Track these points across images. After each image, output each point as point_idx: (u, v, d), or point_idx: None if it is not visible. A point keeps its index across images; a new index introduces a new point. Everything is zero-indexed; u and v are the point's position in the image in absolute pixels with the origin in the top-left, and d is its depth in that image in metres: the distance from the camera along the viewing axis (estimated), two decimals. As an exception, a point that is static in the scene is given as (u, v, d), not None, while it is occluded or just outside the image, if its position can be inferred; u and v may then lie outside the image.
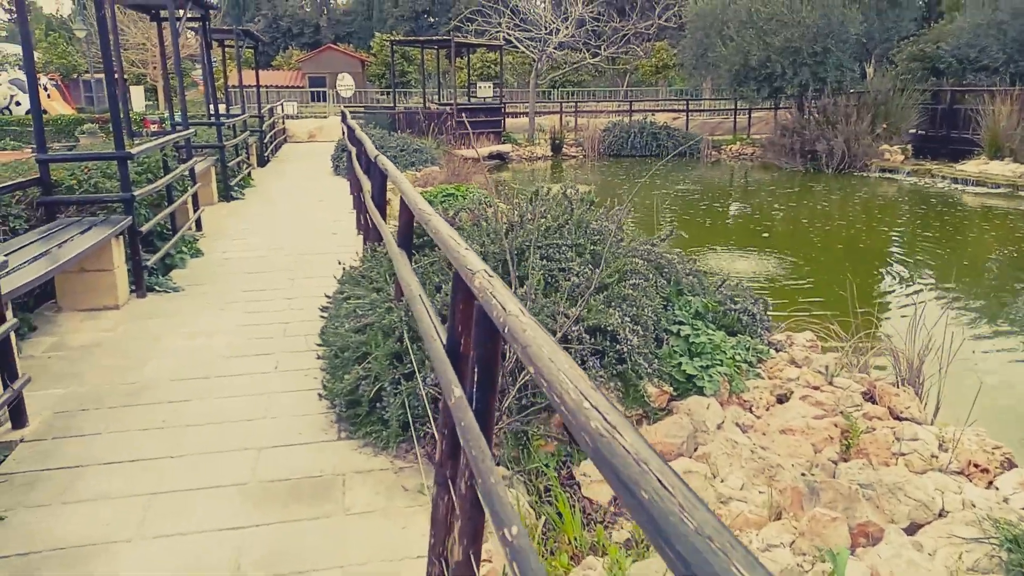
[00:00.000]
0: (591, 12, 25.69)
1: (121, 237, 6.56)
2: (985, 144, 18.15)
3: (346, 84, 39.20)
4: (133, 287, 6.81)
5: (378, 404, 4.19)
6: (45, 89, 29.38)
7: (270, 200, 12.66)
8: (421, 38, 30.74)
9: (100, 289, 6.41)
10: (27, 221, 6.43)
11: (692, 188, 18.18)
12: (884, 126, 20.09)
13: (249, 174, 14.81)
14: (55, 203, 6.57)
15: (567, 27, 25.15)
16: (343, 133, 19.60)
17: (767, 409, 4.63)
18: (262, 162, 17.75)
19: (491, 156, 21.86)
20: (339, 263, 6.80)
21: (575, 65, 28.62)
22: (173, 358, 5.35)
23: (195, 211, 9.63)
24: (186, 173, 9.14)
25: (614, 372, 4.24)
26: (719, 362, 4.75)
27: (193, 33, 16.34)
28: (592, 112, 27.65)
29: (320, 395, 4.49)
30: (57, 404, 4.60)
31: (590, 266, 4.94)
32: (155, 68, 32.51)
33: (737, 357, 5.02)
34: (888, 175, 19.02)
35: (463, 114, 22.43)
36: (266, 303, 6.73)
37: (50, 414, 4.49)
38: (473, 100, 24.93)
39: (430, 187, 12.72)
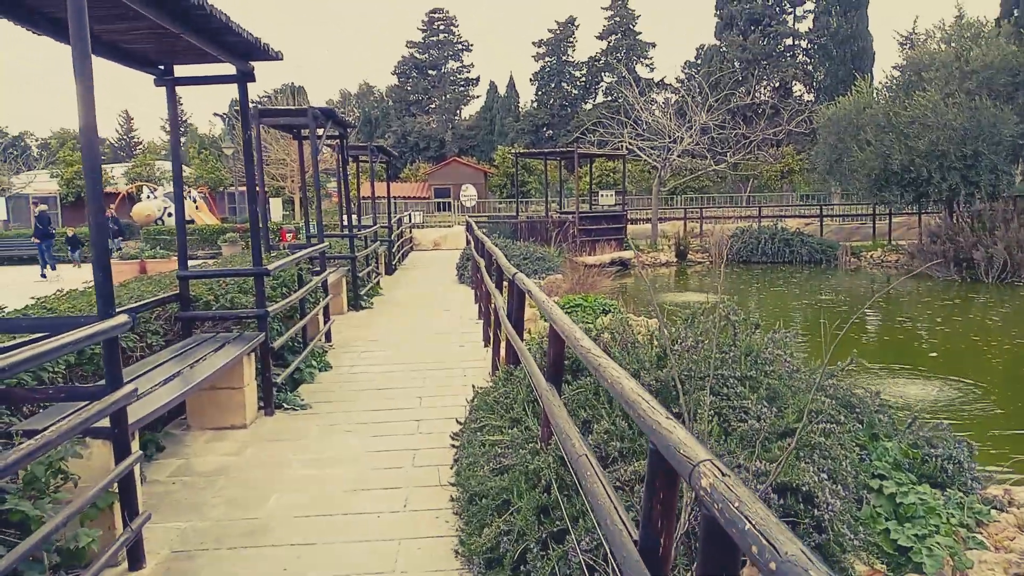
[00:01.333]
0: (715, 120, 25.46)
1: (253, 354, 6.40)
2: None
3: (469, 195, 40.48)
4: (261, 404, 6.60)
5: (522, 567, 3.59)
6: (194, 201, 31.79)
7: (398, 309, 12.61)
8: (545, 149, 31.43)
9: (230, 407, 6.22)
10: (164, 336, 6.41)
11: (836, 299, 16.99)
12: (1052, 232, 18.33)
13: (378, 283, 14.97)
14: (192, 319, 6.53)
15: (691, 135, 24.96)
16: (467, 242, 19.86)
17: (1003, 593, 3.69)
18: (390, 270, 18.05)
19: (613, 263, 21.47)
20: (471, 387, 6.36)
21: (702, 172, 28.28)
22: (297, 490, 4.96)
23: (326, 322, 9.57)
24: (319, 285, 9.13)
25: (812, 544, 3.47)
26: (935, 528, 3.87)
27: (330, 149, 17.15)
28: (718, 218, 26.98)
29: (456, 551, 3.93)
30: (176, 542, 4.26)
31: (766, 404, 4.25)
32: (293, 181, 34.68)
33: (952, 520, 4.11)
34: (1059, 285, 17.19)
35: (585, 221, 22.31)
36: (394, 425, 6.34)
37: (168, 553, 4.14)
38: (595, 208, 24.85)
39: (556, 297, 12.36)
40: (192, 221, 29.10)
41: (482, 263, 10.53)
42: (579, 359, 4.88)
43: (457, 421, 5.89)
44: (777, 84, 42.48)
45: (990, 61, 18.89)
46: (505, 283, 6.83)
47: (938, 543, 3.76)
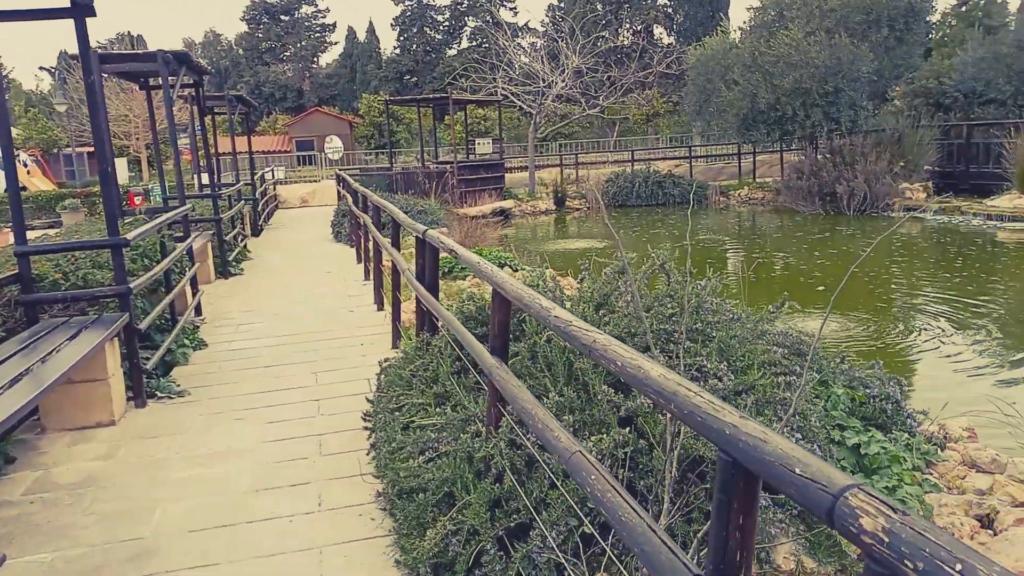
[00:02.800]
0: (587, 63, 25.20)
1: (116, 338, 5.46)
2: (1016, 178, 17.44)
3: (335, 146, 38.63)
4: (131, 394, 5.69)
5: (477, 571, 3.08)
6: (25, 166, 28.48)
7: (272, 274, 11.60)
8: (417, 96, 30.20)
9: (93, 402, 5.30)
10: (2, 325, 5.35)
11: (716, 238, 17.31)
12: (901, 164, 19.42)
13: (245, 246, 13.79)
14: (37, 302, 5.48)
15: (564, 79, 24.60)
16: (339, 197, 18.74)
17: (971, 538, 3.54)
18: (257, 232, 16.76)
19: (495, 213, 21.00)
20: (372, 358, 5.70)
21: (577, 116, 28.06)
22: (187, 497, 4.21)
23: (194, 295, 8.55)
24: (185, 253, 8.09)
25: (793, 512, 3.16)
26: (900, 478, 3.68)
27: (182, 100, 15.49)
28: (592, 163, 26.99)
29: (396, 559, 3.37)
30: (40, 583, 3.46)
31: (719, 360, 3.90)
32: (138, 139, 31.75)
33: (906, 465, 3.95)
34: (914, 214, 18.26)
35: (464, 171, 21.63)
36: (290, 408, 5.62)
37: (30, 599, 3.35)
38: (472, 157, 24.20)
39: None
40: (25, 188, 26.04)
41: (367, 219, 9.74)
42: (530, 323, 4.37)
43: (367, 399, 5.26)
44: (640, 27, 42.85)
45: (846, 0, 19.56)
46: (409, 241, 6.18)
47: (909, 494, 3.57)
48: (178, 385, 6.21)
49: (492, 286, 3.24)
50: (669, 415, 2.81)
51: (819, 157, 20.75)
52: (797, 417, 3.54)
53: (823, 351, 5.58)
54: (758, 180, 24.85)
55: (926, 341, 8.39)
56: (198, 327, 8.12)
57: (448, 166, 21.73)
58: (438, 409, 4.16)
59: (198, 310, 8.56)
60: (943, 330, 8.77)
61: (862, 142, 19.91)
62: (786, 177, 21.22)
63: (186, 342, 7.33)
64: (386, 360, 5.49)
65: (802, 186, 19.67)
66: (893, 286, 11.51)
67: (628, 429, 3.38)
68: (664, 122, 42.64)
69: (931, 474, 4.12)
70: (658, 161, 27.21)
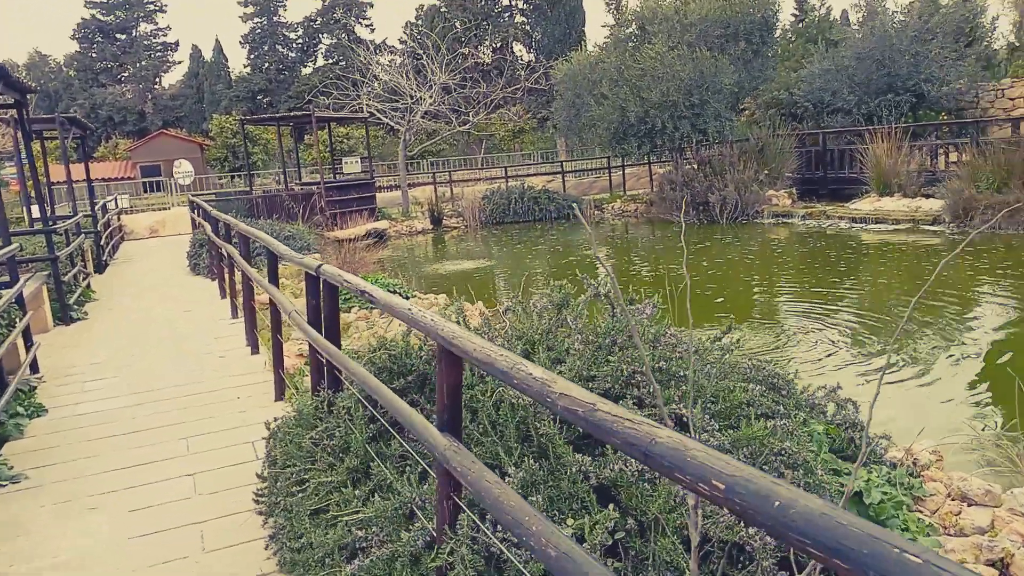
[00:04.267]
0: (454, 80, 24.65)
1: (-86, 424, 4.22)
2: (872, 182, 18.38)
3: (185, 171, 36.04)
4: (-59, 491, 4.45)
5: None
6: None
7: (123, 316, 10.15)
8: (275, 115, 28.53)
9: None
10: None
11: (601, 251, 17.11)
12: (766, 172, 20.09)
13: (88, 286, 12.15)
14: None
15: (431, 96, 23.92)
16: (195, 225, 17.11)
17: (992, 590, 3.11)
18: (101, 268, 14.96)
19: (369, 235, 19.94)
20: (254, 417, 4.73)
21: (446, 133, 27.41)
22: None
23: (28, 348, 7.17)
24: (13, 301, 6.71)
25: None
26: (905, 526, 3.20)
27: (4, 125, 13.57)
28: (466, 180, 26.44)
29: None
30: None
31: (700, 406, 3.31)
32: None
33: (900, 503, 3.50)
34: (783, 220, 18.87)
35: (333, 192, 20.45)
36: (158, 489, 4.57)
37: None
38: (339, 177, 23.00)
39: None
40: None
41: (232, 251, 8.61)
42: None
43: (256, 474, 4.31)
44: (499, 44, 42.91)
45: (705, 14, 20.07)
46: (294, 279, 5.25)
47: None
48: (10, 467, 5.01)
49: (438, 342, 2.48)
50: (693, 498, 2.17)
51: (689, 168, 21.15)
52: (800, 471, 3.00)
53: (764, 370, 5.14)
54: (629, 193, 25.13)
55: (815, 346, 8.28)
56: (35, 388, 6.79)
57: (315, 187, 20.48)
58: (357, 491, 3.32)
59: (34, 367, 7.18)
60: (835, 340, 8.72)
61: (729, 152, 20.45)
62: (659, 189, 21.49)
63: (19, 409, 6.04)
64: (275, 420, 4.57)
65: (676, 197, 19.94)
66: (779, 290, 11.58)
67: (611, 507, 2.70)
68: (530, 138, 42.86)
69: (921, 510, 3.70)
70: (531, 177, 27.01)
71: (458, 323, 4.38)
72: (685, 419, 3.28)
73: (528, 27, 45.11)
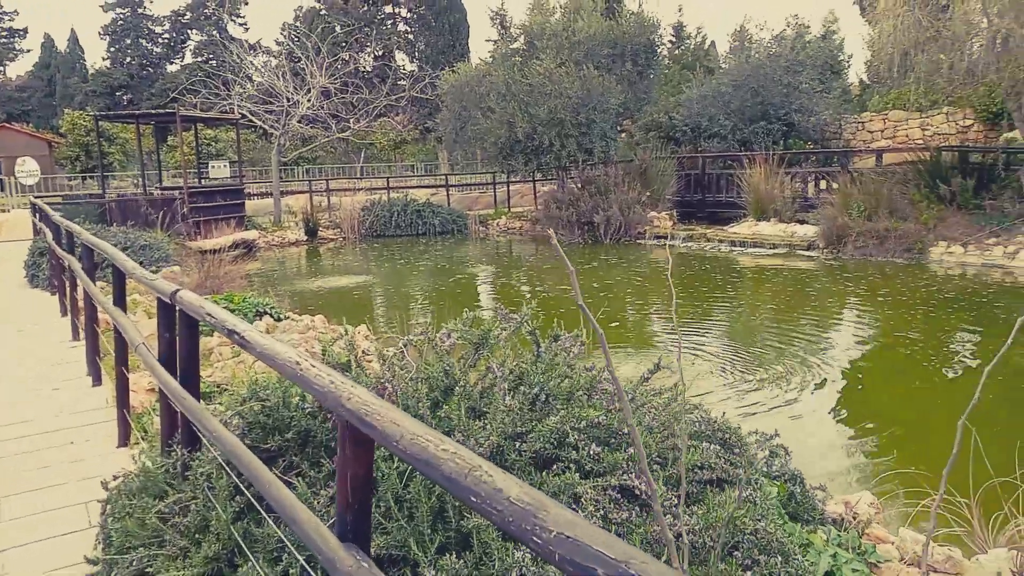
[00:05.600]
0: (335, 84, 23.52)
1: None
2: (750, 207, 18.85)
3: (29, 169, 32.81)
4: None
5: None
6: None
7: (-64, 338, 8.61)
8: (136, 112, 26.29)
9: None
10: None
11: (490, 270, 16.57)
12: (648, 194, 20.25)
13: (-102, 298, 10.38)
14: None
15: (309, 99, 22.71)
16: (36, 231, 15.24)
17: None
18: (-83, 277, 12.95)
19: (236, 245, 18.52)
20: (93, 469, 3.78)
21: (324, 140, 26.14)
22: None
23: None
24: None
25: None
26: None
27: None
28: (345, 190, 25.26)
29: None
30: None
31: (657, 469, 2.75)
32: None
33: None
34: (665, 242, 19.02)
35: (198, 198, 18.87)
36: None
37: None
38: (206, 182, 21.37)
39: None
40: None
41: (75, 264, 7.41)
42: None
43: (87, 559, 3.39)
44: (381, 52, 41.87)
45: (593, 33, 20.08)
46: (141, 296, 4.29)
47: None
48: None
49: (343, 417, 1.77)
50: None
51: (574, 187, 21.06)
52: (779, 558, 2.49)
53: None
54: (514, 210, 24.82)
55: (705, 376, 8.05)
56: None
57: (177, 192, 18.85)
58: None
59: None
60: (726, 369, 8.53)
61: (614, 172, 20.50)
62: (544, 207, 21.25)
63: None
64: (115, 478, 3.66)
65: (562, 216, 19.74)
66: (670, 314, 11.41)
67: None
68: (411, 149, 42.01)
69: (877, 582, 3.30)
70: (414, 189, 26.21)
71: (356, 369, 3.65)
72: (637, 491, 2.70)
73: (411, 36, 44.34)
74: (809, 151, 22.43)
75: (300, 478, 3.09)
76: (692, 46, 35.50)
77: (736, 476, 3.01)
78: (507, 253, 19.82)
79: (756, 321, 11.07)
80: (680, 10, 58.93)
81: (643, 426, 3.26)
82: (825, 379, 7.88)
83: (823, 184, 19.35)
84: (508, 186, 25.62)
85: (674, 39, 41.89)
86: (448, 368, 3.31)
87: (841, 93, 25.81)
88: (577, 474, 2.84)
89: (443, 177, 27.16)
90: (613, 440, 3.08)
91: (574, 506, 2.62)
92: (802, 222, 17.75)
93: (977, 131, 23.43)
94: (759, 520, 2.58)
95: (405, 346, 4.07)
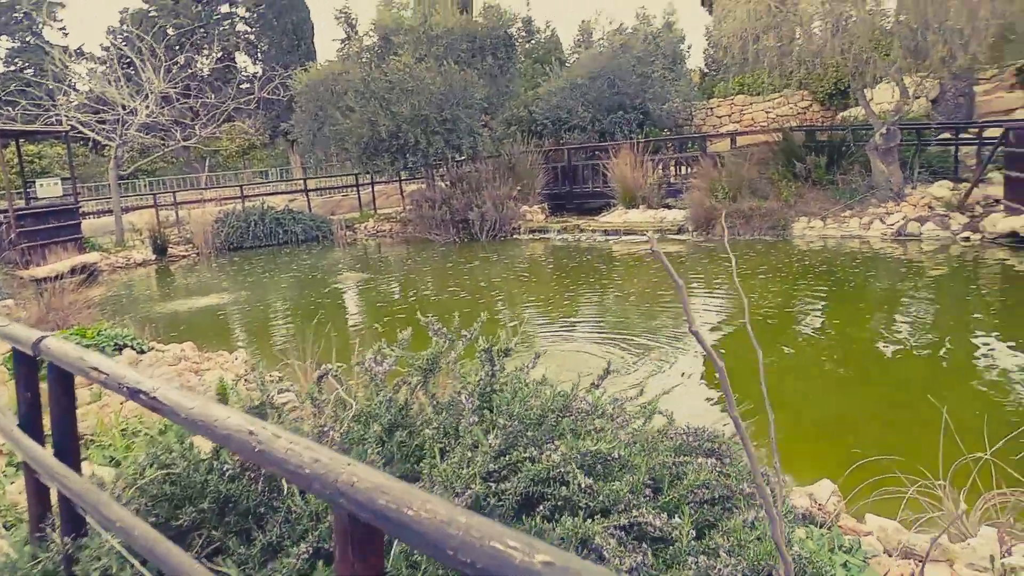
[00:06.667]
0: (175, 88, 21.75)
1: None
2: (619, 196, 19.08)
3: None
4: None
5: None
6: None
7: None
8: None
9: None
10: None
11: (365, 276, 15.77)
12: (518, 188, 20.10)
13: None
14: None
15: (148, 107, 20.86)
16: None
17: None
18: None
19: (75, 271, 16.69)
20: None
21: (167, 149, 24.14)
22: None
23: None
24: None
25: None
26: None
27: None
28: (195, 202, 23.44)
29: None
30: None
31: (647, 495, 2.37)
32: None
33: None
34: (540, 235, 18.91)
35: (27, 221, 16.85)
36: None
37: None
38: (35, 203, 19.17)
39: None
40: None
41: None
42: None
43: None
44: (220, 54, 39.43)
45: (450, 28, 19.64)
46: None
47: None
48: None
49: (342, 507, 1.26)
50: None
51: (444, 185, 20.57)
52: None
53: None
54: (381, 212, 23.99)
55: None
56: None
57: (1, 216, 16.76)
58: None
59: None
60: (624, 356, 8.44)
61: (484, 168, 20.20)
62: (415, 207, 20.60)
63: None
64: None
65: (435, 215, 19.19)
66: (565, 307, 11.23)
67: None
68: (259, 154, 39.91)
69: (872, 582, 3.09)
70: (271, 196, 24.78)
71: (272, 412, 3.05)
72: (654, 533, 2.31)
73: (252, 37, 42.10)
74: (668, 138, 23.07)
75: (228, 559, 2.49)
76: (543, 39, 35.79)
77: (733, 493, 2.69)
78: (380, 257, 19.06)
79: (638, 305, 11.11)
80: (528, 5, 59.56)
81: (620, 443, 2.88)
82: (694, 360, 8.06)
83: (684, 169, 19.92)
84: (373, 187, 24.75)
85: (524, 33, 42.18)
86: (406, 401, 2.79)
87: (688, 81, 26.81)
88: (571, 515, 2.42)
89: (301, 182, 25.83)
90: (599, 467, 2.69)
91: (588, 554, 2.20)
92: (670, 207, 18.17)
93: (815, 111, 24.98)
94: (770, 553, 2.26)
95: (322, 378, 3.50)
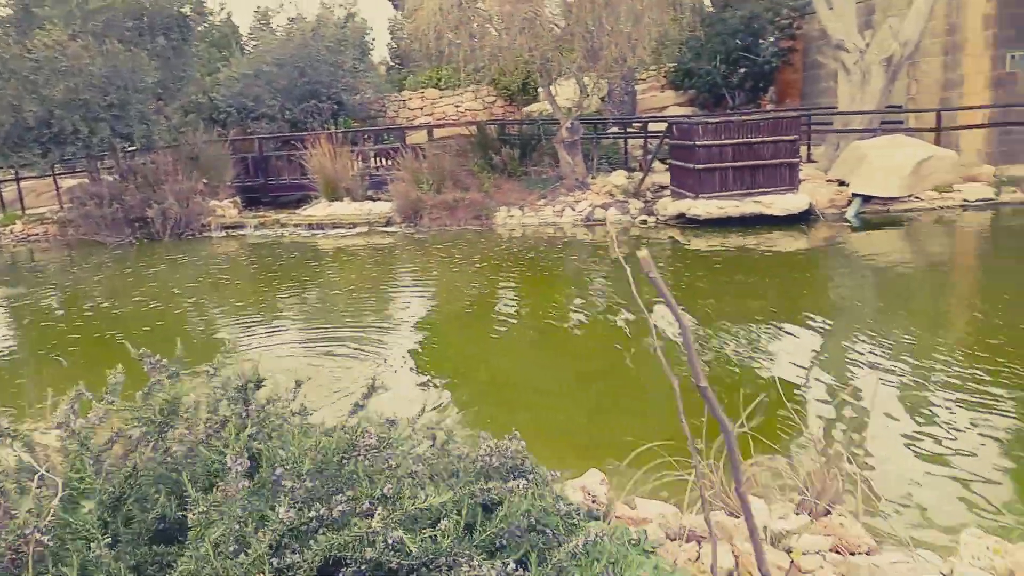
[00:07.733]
0: None
1: None
2: (321, 188, 18.22)
3: None
4: None
5: None
6: None
7: None
8: None
9: None
10: None
11: (24, 292, 13.12)
12: (205, 181, 18.31)
13: None
14: None
15: None
16: None
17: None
18: None
19: None
20: None
21: None
22: None
23: None
24: None
25: None
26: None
27: None
28: None
29: None
30: None
31: None
32: None
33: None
34: (236, 232, 17.38)
35: None
36: None
37: None
38: None
39: None
40: None
41: None
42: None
43: None
44: None
45: (110, 2, 17.13)
46: None
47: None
48: None
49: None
50: None
51: (113, 179, 18.00)
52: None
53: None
54: (32, 212, 20.36)
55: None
56: None
57: None
58: None
59: None
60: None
61: (163, 160, 18.05)
62: (77, 205, 17.71)
63: None
64: None
65: (104, 213, 16.68)
66: (278, 311, 10.33)
67: None
68: None
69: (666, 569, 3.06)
70: None
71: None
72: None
73: None
74: (366, 128, 22.67)
75: None
76: (218, 23, 33.14)
77: (551, 515, 2.45)
78: (36, 266, 16.10)
79: (345, 302, 10.71)
80: (194, -16, 54.82)
81: (406, 475, 2.47)
82: (411, 349, 8.05)
83: (387, 161, 19.69)
84: (18, 183, 20.90)
85: (198, 15, 38.68)
86: (135, 467, 2.08)
87: (376, 74, 26.68)
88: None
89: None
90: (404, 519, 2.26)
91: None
92: (375, 199, 17.83)
93: (500, 106, 26.26)
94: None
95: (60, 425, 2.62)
